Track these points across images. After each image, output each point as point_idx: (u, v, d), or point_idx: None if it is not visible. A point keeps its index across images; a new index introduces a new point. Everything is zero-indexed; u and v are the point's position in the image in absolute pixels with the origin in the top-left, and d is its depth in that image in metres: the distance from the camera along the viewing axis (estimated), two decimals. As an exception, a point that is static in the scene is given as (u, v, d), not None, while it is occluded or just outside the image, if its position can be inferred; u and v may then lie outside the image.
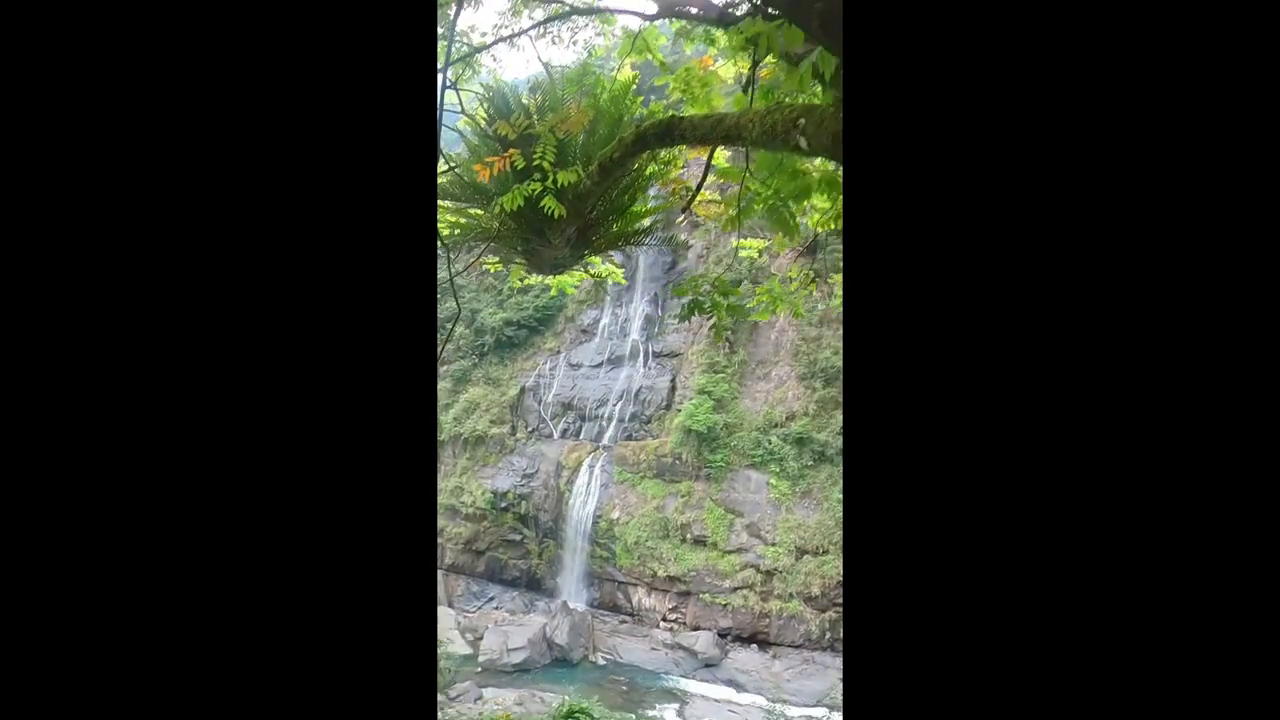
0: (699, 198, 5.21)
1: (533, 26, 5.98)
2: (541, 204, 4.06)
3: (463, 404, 35.09)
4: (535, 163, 4.06)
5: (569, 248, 4.58)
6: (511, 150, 3.91)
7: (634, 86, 4.49)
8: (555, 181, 4.06)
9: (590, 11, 6.09)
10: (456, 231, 4.65)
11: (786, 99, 3.77)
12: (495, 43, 5.82)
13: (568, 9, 5.86)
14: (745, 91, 4.09)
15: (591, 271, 5.78)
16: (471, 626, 28.73)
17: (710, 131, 3.54)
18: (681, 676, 25.22)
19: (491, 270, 5.99)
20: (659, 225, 4.92)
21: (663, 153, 4.67)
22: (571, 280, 6.08)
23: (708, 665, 25.58)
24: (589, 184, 4.18)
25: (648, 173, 4.76)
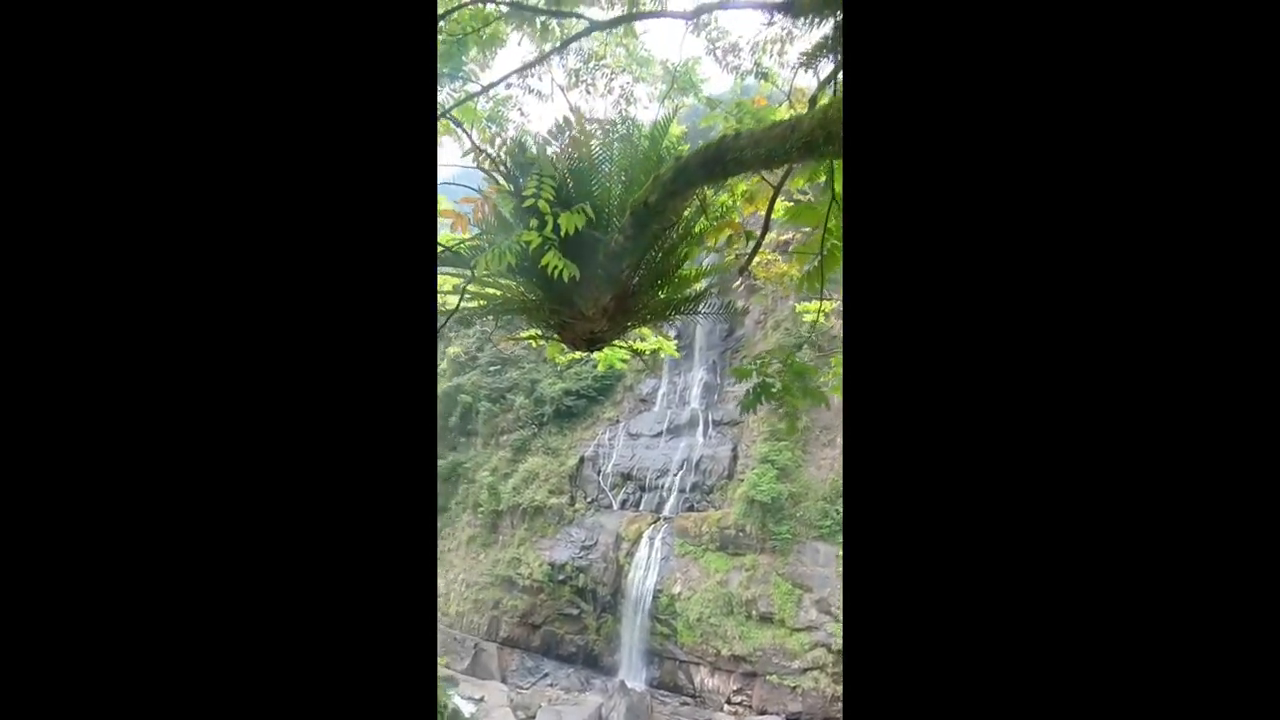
0: (758, 258, 4.63)
1: (554, 50, 5.45)
2: (544, 263, 3.15)
3: (521, 474, 35.08)
4: (527, 203, 3.16)
5: (607, 320, 3.79)
6: (493, 188, 3.23)
7: (680, 135, 3.84)
8: (558, 230, 3.15)
9: (618, 22, 5.54)
10: (476, 304, 4.04)
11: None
12: (506, 77, 5.26)
13: (591, 24, 5.29)
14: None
15: (639, 344, 5.12)
16: (524, 704, 27.93)
17: (779, 145, 2.55)
18: (748, 766, 23.73)
19: (533, 345, 5.41)
20: (714, 290, 4.19)
21: (714, 205, 4.01)
22: (618, 355, 5.33)
23: (776, 754, 24.02)
24: (621, 239, 3.34)
25: (697, 230, 4.01)
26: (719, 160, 2.78)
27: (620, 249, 3.44)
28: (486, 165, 3.29)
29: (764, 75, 4.90)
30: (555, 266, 3.22)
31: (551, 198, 3.18)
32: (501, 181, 3.36)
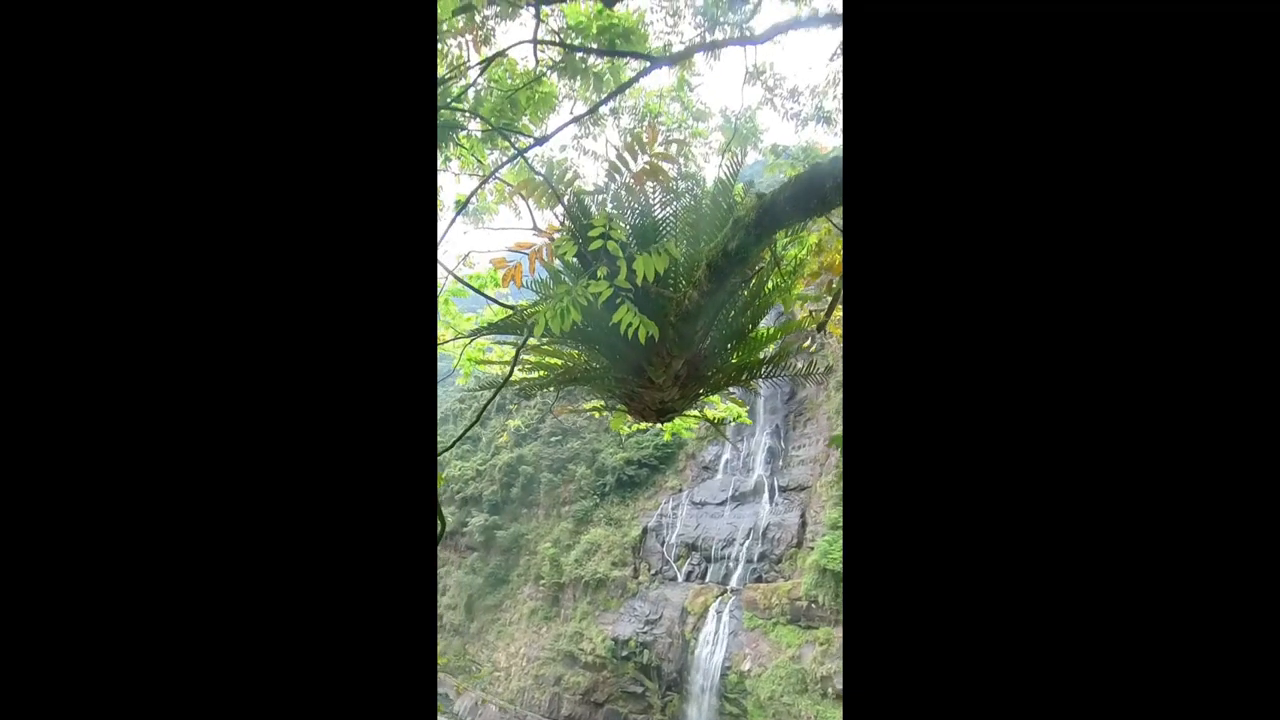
0: (834, 314, 4.30)
1: (610, 95, 5.22)
2: (616, 319, 2.67)
3: (584, 545, 34.75)
4: (594, 245, 2.71)
5: (679, 388, 3.41)
6: (549, 227, 2.87)
7: (741, 191, 3.52)
8: (631, 278, 2.67)
9: (681, 56, 5.27)
10: (537, 375, 3.75)
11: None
12: (559, 129, 5.02)
13: (652, 61, 5.05)
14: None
15: (710, 413, 4.77)
16: (590, 789, 26.97)
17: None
18: None
19: (596, 415, 5.13)
20: (793, 350, 3.82)
21: (786, 260, 3.68)
22: (686, 423, 4.93)
23: None
24: (696, 296, 2.92)
25: (769, 288, 3.67)
26: (814, 190, 2.37)
27: (695, 308, 3.04)
28: (543, 202, 2.96)
29: (825, 119, 4.66)
30: (630, 324, 2.75)
31: (624, 238, 2.78)
32: (557, 221, 3.00)
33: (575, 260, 2.98)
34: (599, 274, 2.81)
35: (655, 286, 2.75)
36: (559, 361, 3.97)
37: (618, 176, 2.92)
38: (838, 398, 29.53)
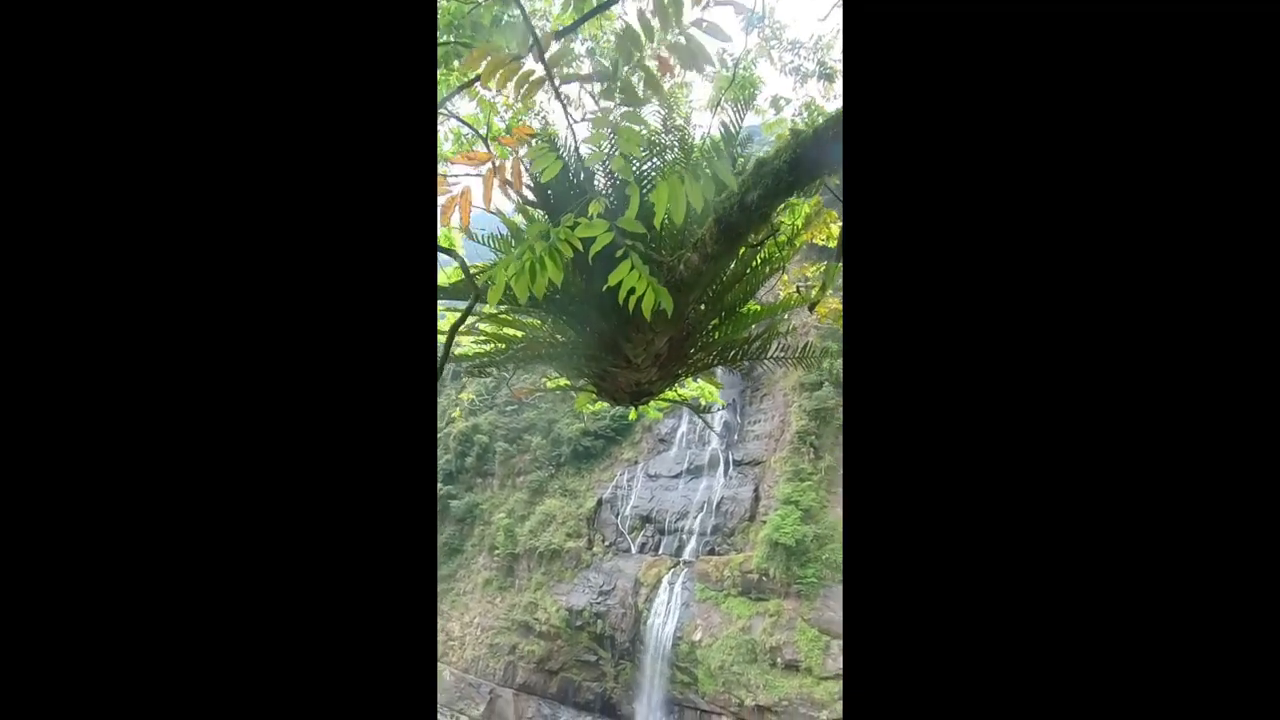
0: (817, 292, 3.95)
1: (587, 16, 4.53)
2: (615, 280, 1.92)
3: (539, 516, 34.64)
4: (592, 159, 1.99)
5: (658, 369, 2.92)
6: (520, 130, 2.12)
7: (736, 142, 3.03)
8: (652, 216, 1.93)
9: None
10: (490, 347, 3.27)
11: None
12: (520, 57, 4.29)
13: None
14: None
15: (683, 391, 4.37)
16: (541, 753, 27.30)
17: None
18: (775, 826, 22.73)
19: (556, 388, 4.71)
20: (783, 330, 3.41)
21: (782, 229, 3.27)
22: (658, 404, 4.38)
23: (805, 813, 22.99)
24: (696, 260, 2.33)
25: (759, 259, 3.18)
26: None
27: (693, 275, 2.44)
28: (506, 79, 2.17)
29: (827, 76, 4.25)
30: (634, 289, 1.99)
31: (639, 151, 1.92)
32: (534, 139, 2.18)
33: (550, 186, 2.27)
34: (591, 211, 1.97)
35: (650, 244, 2.19)
36: (518, 333, 3.53)
37: (636, 53, 2.09)
38: (795, 374, 29.60)
